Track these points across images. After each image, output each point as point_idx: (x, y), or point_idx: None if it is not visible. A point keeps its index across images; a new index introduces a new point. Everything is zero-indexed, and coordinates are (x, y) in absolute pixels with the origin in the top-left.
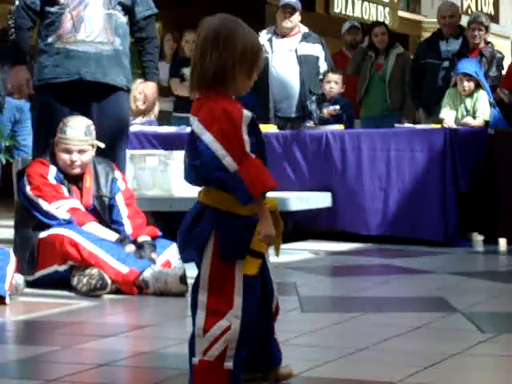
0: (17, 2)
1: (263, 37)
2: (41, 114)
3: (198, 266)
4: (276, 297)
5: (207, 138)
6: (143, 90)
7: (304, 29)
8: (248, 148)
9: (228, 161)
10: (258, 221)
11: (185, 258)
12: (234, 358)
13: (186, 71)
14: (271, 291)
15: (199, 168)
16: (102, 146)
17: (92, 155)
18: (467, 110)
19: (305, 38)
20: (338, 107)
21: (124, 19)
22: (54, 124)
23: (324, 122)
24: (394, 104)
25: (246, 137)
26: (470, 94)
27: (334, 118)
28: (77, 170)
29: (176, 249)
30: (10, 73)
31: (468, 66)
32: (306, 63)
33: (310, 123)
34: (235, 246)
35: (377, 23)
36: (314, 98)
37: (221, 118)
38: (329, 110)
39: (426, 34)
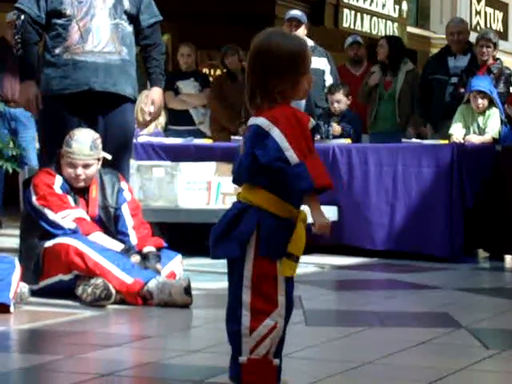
0: (22, 17)
1: None
2: (48, 125)
3: (237, 262)
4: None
5: (275, 132)
6: (149, 97)
7: (310, 42)
8: (312, 147)
9: (290, 154)
10: (295, 224)
11: (217, 255)
12: (276, 354)
13: (181, 84)
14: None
15: (259, 157)
16: (109, 157)
17: (97, 168)
18: (479, 127)
19: (311, 51)
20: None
21: (130, 29)
22: (61, 134)
23: (331, 136)
24: (403, 121)
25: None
26: (483, 112)
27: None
28: (81, 184)
29: (181, 260)
30: (4, 82)
31: (482, 83)
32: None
33: (317, 137)
34: (276, 244)
35: (383, 37)
36: (321, 111)
37: (290, 118)
38: (340, 127)
39: (435, 50)
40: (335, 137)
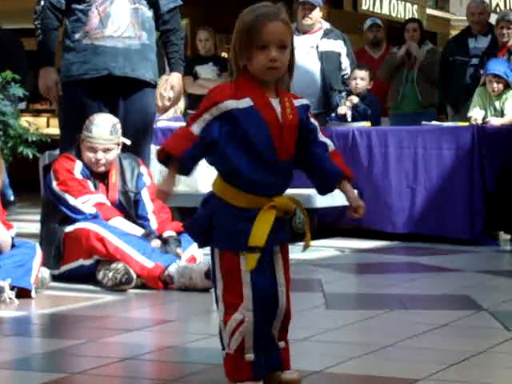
0: (42, 2)
1: None
2: (68, 110)
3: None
4: (283, 304)
5: None
6: (169, 82)
7: (326, 25)
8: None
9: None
10: (257, 215)
11: (198, 245)
12: (253, 349)
13: (199, 69)
14: (275, 294)
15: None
16: (128, 142)
17: (117, 153)
18: (496, 110)
19: (326, 34)
20: (356, 99)
21: (149, 13)
22: (81, 120)
23: (342, 118)
24: (425, 100)
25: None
26: (499, 95)
27: (359, 116)
28: (101, 169)
29: None
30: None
31: (498, 66)
32: (328, 60)
33: (333, 120)
34: (232, 236)
35: (410, 20)
36: (343, 94)
37: (208, 93)
38: (345, 108)
39: (455, 32)
40: (353, 119)
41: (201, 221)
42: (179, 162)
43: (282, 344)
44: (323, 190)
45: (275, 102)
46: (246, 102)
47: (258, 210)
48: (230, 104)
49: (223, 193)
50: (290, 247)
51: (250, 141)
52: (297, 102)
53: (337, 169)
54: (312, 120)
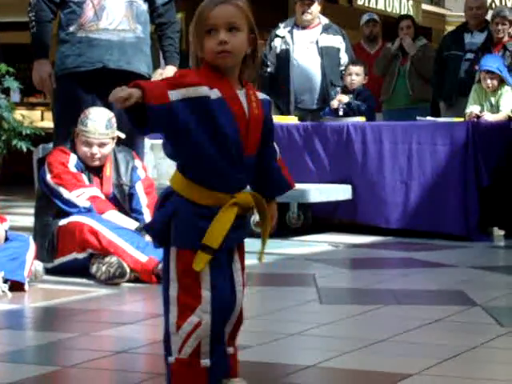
0: None
1: (283, 28)
2: (63, 103)
3: (164, 252)
4: (239, 305)
5: None
6: (164, 75)
7: (324, 20)
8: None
9: None
10: (217, 213)
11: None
12: (210, 354)
13: None
14: (234, 298)
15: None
16: (123, 136)
17: (112, 147)
18: (492, 106)
19: (325, 29)
20: (346, 99)
21: (145, 7)
22: (75, 113)
23: (336, 113)
24: (416, 95)
25: None
26: (495, 90)
27: (353, 113)
28: (96, 163)
29: None
30: None
31: (491, 62)
32: (328, 55)
33: (327, 116)
34: (190, 235)
35: (403, 17)
36: (338, 89)
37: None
38: (337, 102)
39: (450, 28)
40: (347, 114)
41: (160, 220)
42: (151, 108)
43: (230, 350)
44: (266, 194)
45: (241, 95)
46: (214, 93)
47: (219, 208)
48: (205, 91)
49: (183, 189)
50: (282, 241)
51: (220, 132)
52: (260, 95)
53: (286, 181)
54: (271, 120)
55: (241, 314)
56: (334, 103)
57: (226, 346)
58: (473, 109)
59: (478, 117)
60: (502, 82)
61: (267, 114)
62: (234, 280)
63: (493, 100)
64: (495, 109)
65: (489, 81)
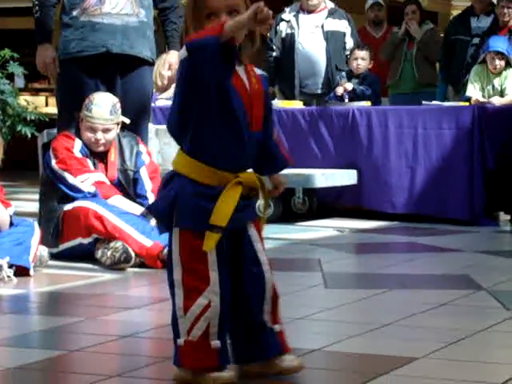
0: None
1: (288, 13)
2: (66, 88)
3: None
4: (269, 282)
5: None
6: (167, 60)
7: (330, 4)
8: None
9: None
10: (221, 193)
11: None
12: (218, 335)
13: None
14: (261, 274)
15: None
16: (128, 121)
17: (117, 133)
18: (494, 89)
19: (331, 13)
20: (350, 86)
21: None
22: (79, 98)
23: (341, 99)
24: (423, 79)
25: None
26: (499, 73)
27: (358, 98)
28: (101, 148)
29: None
30: None
31: (500, 43)
32: (333, 39)
33: (332, 99)
34: (196, 215)
35: (409, 1)
36: (343, 73)
37: None
38: (342, 88)
39: (456, 12)
40: (351, 99)
41: (165, 202)
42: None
43: (277, 328)
44: (264, 172)
45: (241, 71)
46: None
47: (223, 188)
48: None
49: (186, 169)
50: (288, 226)
51: (229, 107)
52: (258, 71)
53: (283, 158)
54: (269, 96)
55: (275, 291)
56: (339, 90)
57: (270, 325)
58: (473, 92)
59: (484, 102)
60: (506, 64)
61: (266, 88)
62: (260, 260)
63: (496, 82)
64: (497, 92)
65: (497, 61)
